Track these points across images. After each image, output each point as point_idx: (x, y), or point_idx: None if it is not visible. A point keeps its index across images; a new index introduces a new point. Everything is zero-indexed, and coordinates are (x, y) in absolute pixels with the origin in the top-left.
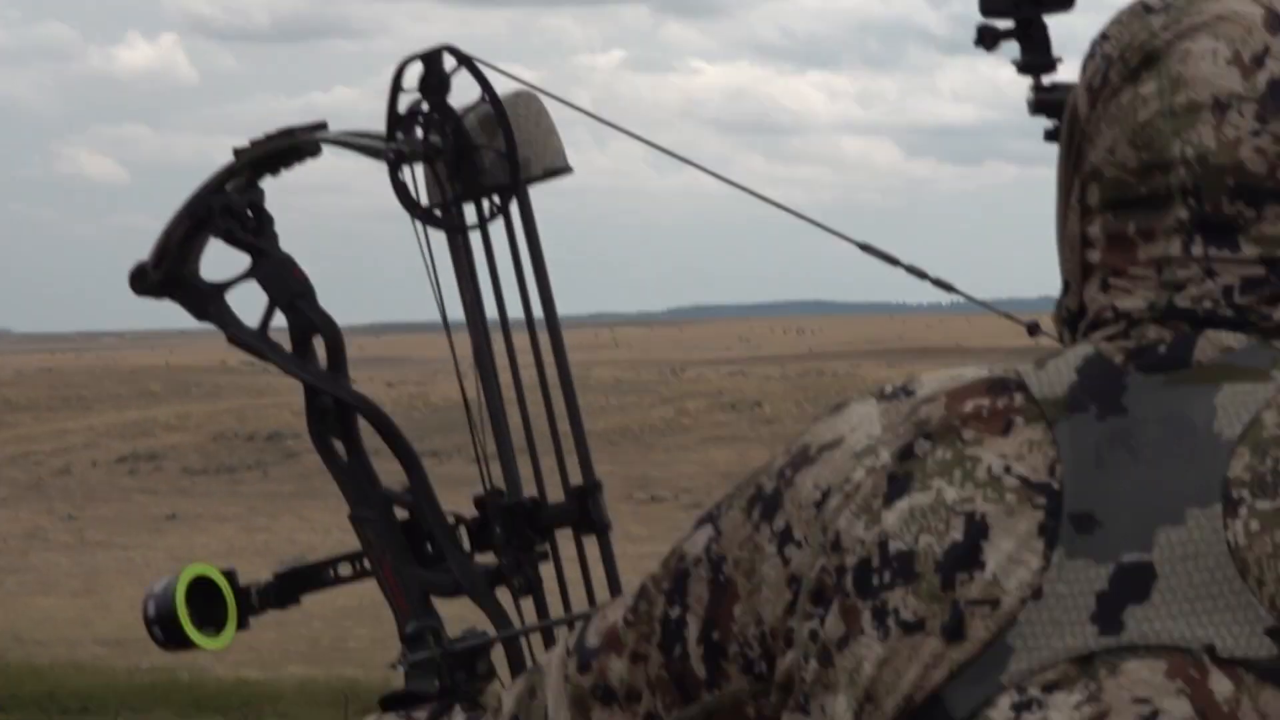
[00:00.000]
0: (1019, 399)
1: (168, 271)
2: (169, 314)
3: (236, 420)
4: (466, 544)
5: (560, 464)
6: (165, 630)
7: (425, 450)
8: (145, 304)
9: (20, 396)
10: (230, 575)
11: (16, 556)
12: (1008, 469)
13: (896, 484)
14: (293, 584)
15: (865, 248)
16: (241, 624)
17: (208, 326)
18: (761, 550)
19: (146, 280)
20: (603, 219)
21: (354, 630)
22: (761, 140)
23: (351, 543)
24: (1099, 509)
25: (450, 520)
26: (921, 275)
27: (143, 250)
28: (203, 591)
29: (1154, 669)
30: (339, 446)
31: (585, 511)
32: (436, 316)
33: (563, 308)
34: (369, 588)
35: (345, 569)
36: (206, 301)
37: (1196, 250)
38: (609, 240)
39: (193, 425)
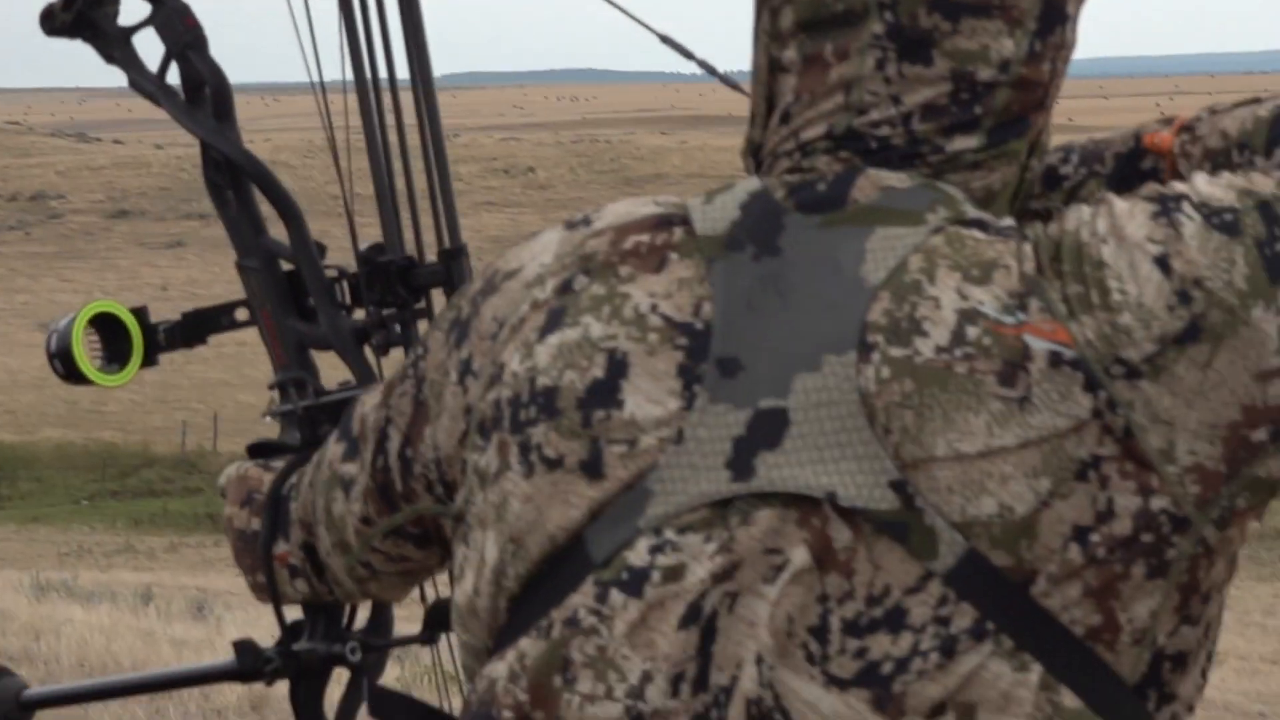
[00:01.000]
0: (679, 235)
1: (79, 13)
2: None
3: None
4: (348, 299)
5: (436, 225)
6: (65, 365)
7: (194, 212)
8: None
9: None
10: (139, 313)
11: None
12: (654, 307)
13: (552, 318)
14: (198, 324)
15: (665, 40)
16: (149, 360)
17: None
18: (449, 376)
19: (55, 21)
20: None
21: (114, 393)
22: None
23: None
24: (744, 353)
25: (333, 275)
26: (711, 71)
27: None
28: (109, 327)
29: (785, 518)
30: (229, 196)
31: (450, 274)
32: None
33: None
34: None
35: (242, 314)
36: (113, 45)
37: (890, 69)
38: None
39: None
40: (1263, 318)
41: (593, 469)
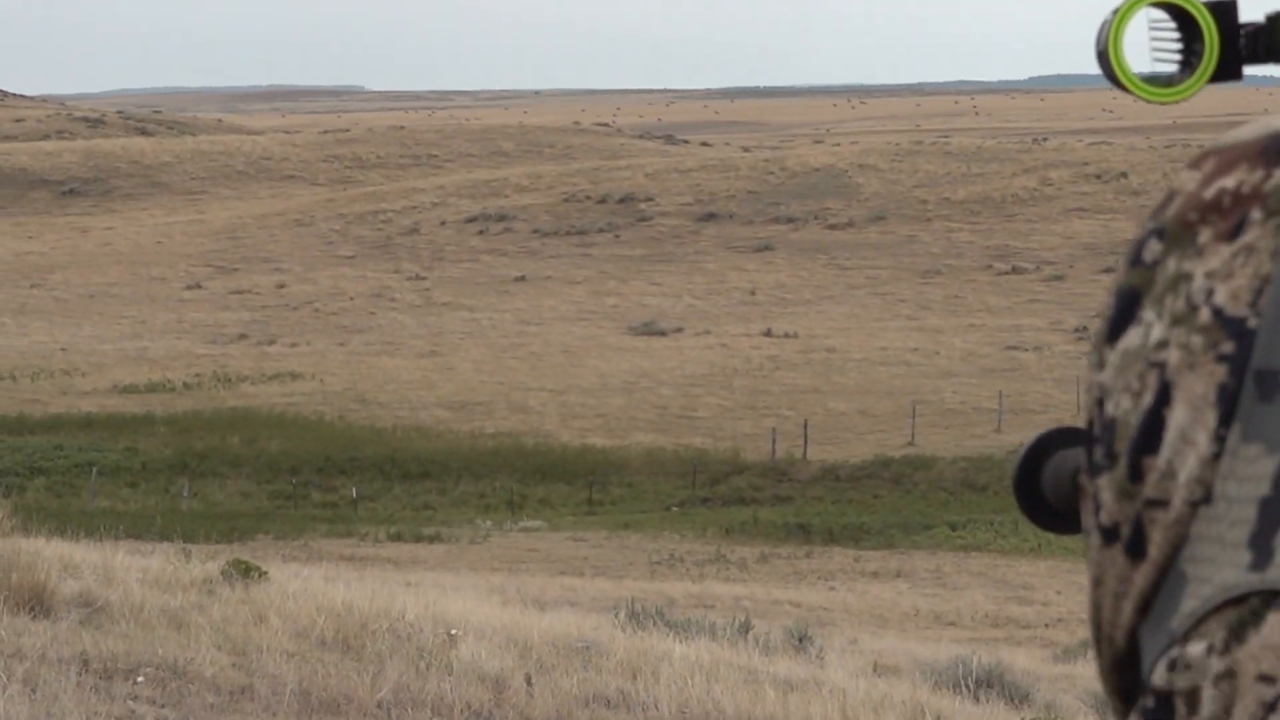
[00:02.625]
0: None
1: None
2: (523, 73)
3: (589, 182)
4: None
5: None
6: (1103, 66)
7: (781, 216)
8: (499, 62)
9: (370, 154)
10: (1217, 7)
11: (363, 316)
12: (1209, 294)
13: (1121, 308)
14: None
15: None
16: (1226, 74)
17: (563, 86)
18: None
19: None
20: None
21: (703, 399)
22: None
23: (707, 311)
24: None
25: None
26: None
27: (495, 7)
28: (1183, 21)
29: None
30: None
31: None
32: (792, 81)
33: (923, 75)
34: (720, 354)
35: None
36: None
37: None
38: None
39: (544, 186)
40: None
41: (1134, 545)
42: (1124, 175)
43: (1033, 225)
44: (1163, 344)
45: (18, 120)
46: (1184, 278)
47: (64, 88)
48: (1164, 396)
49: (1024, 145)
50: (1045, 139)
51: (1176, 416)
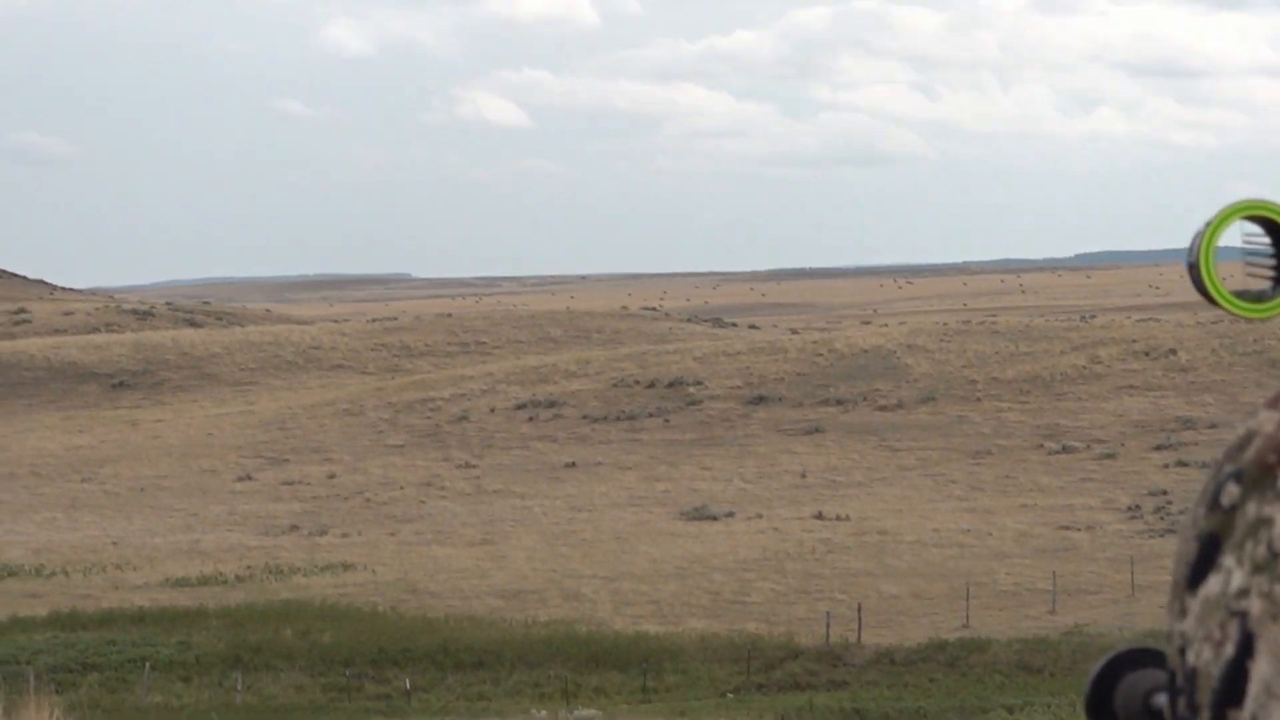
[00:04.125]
0: None
1: None
2: (570, 259)
3: (637, 367)
4: None
5: None
6: (1193, 279)
7: (831, 398)
8: (546, 249)
9: (419, 342)
10: None
11: (413, 505)
12: None
13: (1201, 554)
14: None
15: None
16: None
17: (610, 270)
18: None
19: None
20: (1009, 164)
21: (756, 583)
22: (1171, 84)
23: (758, 495)
24: None
25: None
26: None
27: (542, 194)
28: (1277, 234)
29: None
30: None
31: None
32: (839, 262)
33: (969, 254)
34: (772, 538)
35: None
36: None
37: None
38: (1015, 186)
39: (592, 371)
40: None
41: None
42: (1173, 352)
43: (1082, 403)
44: (1244, 592)
45: (67, 314)
46: (1264, 523)
47: (112, 280)
48: (1246, 647)
49: (1072, 323)
50: (1093, 316)
51: (1260, 669)
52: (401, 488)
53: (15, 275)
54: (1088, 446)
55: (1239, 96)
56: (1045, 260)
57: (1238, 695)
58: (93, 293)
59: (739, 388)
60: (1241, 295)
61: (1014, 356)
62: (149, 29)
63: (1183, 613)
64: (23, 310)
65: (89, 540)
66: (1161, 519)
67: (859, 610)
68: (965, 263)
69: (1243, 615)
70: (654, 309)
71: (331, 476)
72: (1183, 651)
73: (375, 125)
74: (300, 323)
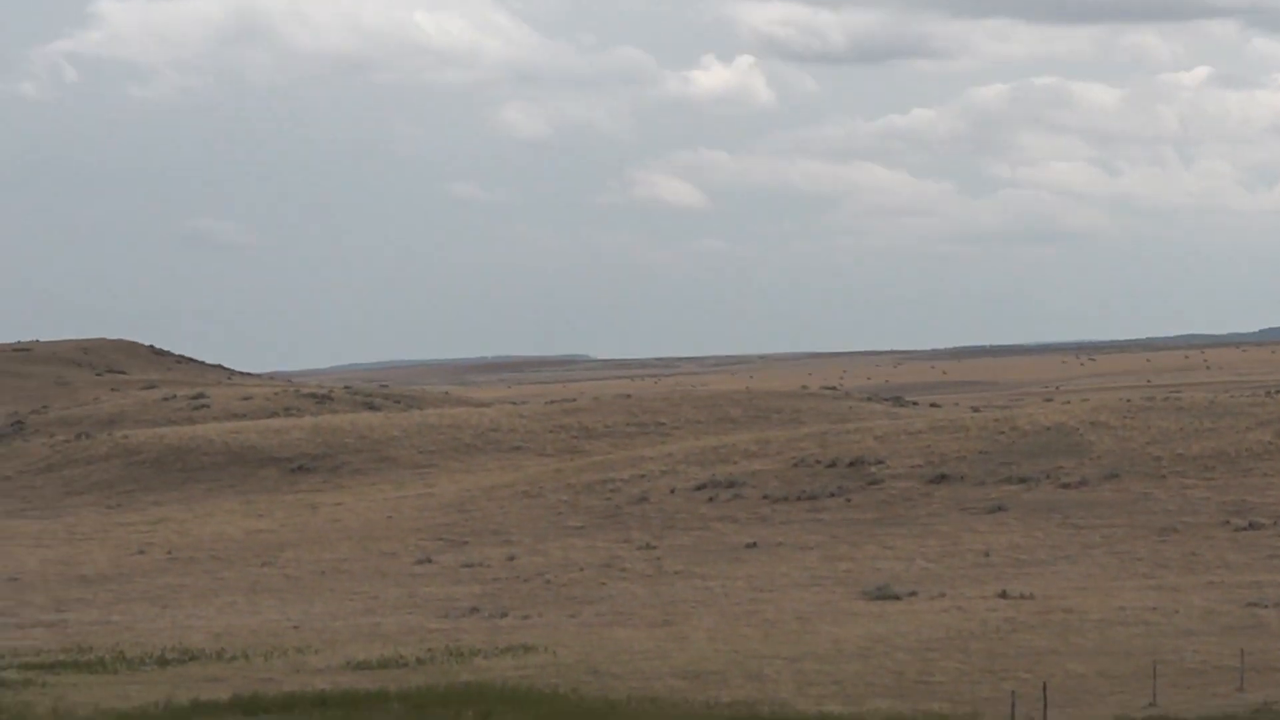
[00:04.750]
0: None
1: None
2: (749, 339)
3: (818, 446)
4: None
5: None
6: None
7: (1013, 476)
8: (724, 329)
9: (598, 423)
10: None
11: (593, 586)
12: None
13: None
14: None
15: None
16: None
17: (789, 349)
18: None
19: None
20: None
21: (939, 663)
22: None
23: (941, 574)
24: None
25: None
26: None
27: (720, 274)
28: None
29: None
30: None
31: None
32: (1020, 339)
33: (1152, 329)
34: (955, 617)
35: None
36: None
37: None
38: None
39: (773, 451)
40: None
41: None
42: None
43: (1269, 479)
44: None
45: (245, 399)
46: None
47: (290, 364)
48: None
49: (1257, 398)
50: (1279, 391)
51: None
52: (582, 569)
53: (193, 361)
54: (1275, 523)
55: None
56: (1230, 335)
57: None
58: (270, 377)
59: (920, 466)
60: None
61: (1199, 432)
62: (324, 114)
63: None
64: (201, 395)
65: (269, 624)
66: None
67: (1044, 689)
68: (1148, 339)
69: None
70: (834, 388)
71: (511, 558)
72: None
73: (551, 208)
74: (479, 405)
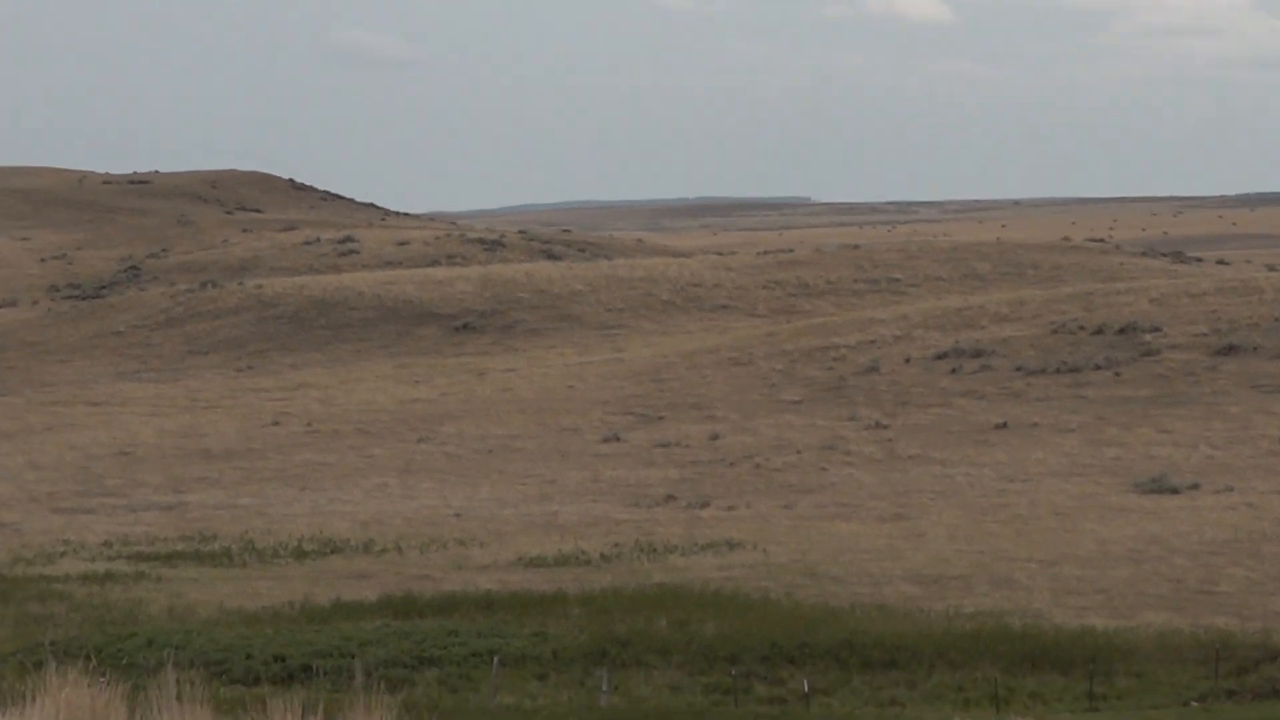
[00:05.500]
0: None
1: None
2: (1000, 181)
3: (1082, 309)
4: None
5: None
6: None
7: None
8: (971, 168)
9: (819, 279)
10: None
11: (812, 472)
12: None
13: None
14: None
15: None
16: None
17: (1048, 194)
18: None
19: None
20: None
21: (1226, 570)
22: None
23: (1228, 463)
24: None
25: None
26: None
27: (967, 103)
28: None
29: None
30: None
31: None
32: None
33: None
34: (1245, 516)
35: None
36: None
37: None
38: None
39: (1028, 315)
40: None
41: None
42: None
43: None
44: None
45: (402, 244)
46: None
47: (455, 205)
48: None
49: None
50: None
51: None
52: (798, 451)
53: (340, 198)
54: None
55: None
56: None
57: None
58: (431, 219)
59: (1205, 335)
60: None
61: None
62: None
63: None
64: (349, 239)
65: (426, 511)
66: None
67: None
68: None
69: None
70: (1102, 240)
71: (714, 438)
72: None
73: (767, 21)
74: (678, 255)
